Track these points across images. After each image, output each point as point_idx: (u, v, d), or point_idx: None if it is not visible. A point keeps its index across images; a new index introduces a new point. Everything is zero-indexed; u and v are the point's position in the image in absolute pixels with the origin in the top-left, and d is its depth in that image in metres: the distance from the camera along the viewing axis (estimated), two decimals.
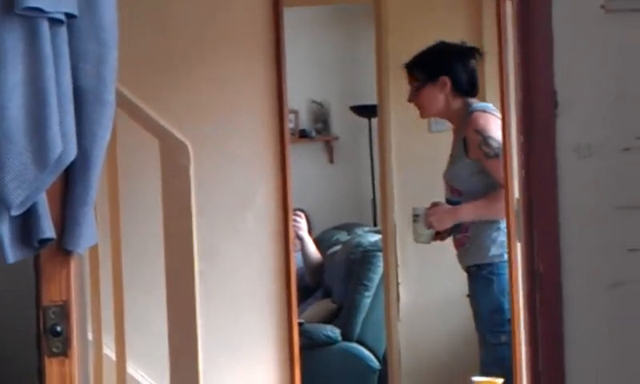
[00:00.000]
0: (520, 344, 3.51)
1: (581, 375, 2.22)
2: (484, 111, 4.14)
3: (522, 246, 2.29)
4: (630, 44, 2.23)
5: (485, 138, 4.02)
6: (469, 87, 4.19)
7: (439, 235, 4.22)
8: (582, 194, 2.23)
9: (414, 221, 4.21)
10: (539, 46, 2.24)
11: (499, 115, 3.96)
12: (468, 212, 4.09)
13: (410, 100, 4.28)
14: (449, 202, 4.19)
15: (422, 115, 4.35)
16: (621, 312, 2.22)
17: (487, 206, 4.01)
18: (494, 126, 4.02)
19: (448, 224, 4.15)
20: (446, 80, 4.15)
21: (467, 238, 4.11)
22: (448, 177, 4.22)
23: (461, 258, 4.19)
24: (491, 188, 4.00)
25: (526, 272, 2.25)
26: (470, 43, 4.40)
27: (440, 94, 4.17)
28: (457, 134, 4.23)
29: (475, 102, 4.20)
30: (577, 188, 2.23)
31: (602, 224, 2.22)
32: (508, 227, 3.75)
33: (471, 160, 4.07)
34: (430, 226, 4.15)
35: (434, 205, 4.18)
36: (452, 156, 4.23)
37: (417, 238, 4.25)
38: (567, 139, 2.23)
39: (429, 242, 4.26)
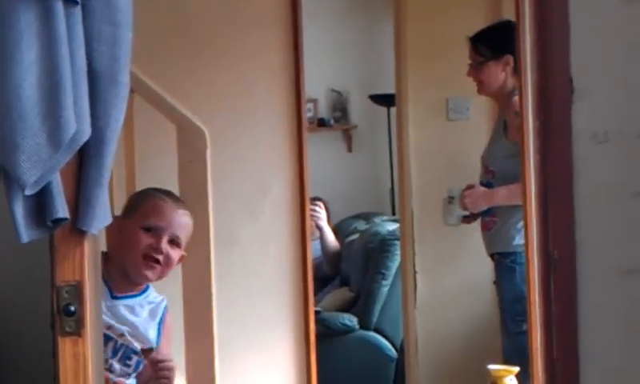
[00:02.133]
0: (536, 331, 3.50)
1: (596, 362, 2.21)
2: None
3: (537, 232, 2.28)
4: None
5: None
6: None
7: (468, 218, 4.22)
8: (597, 180, 2.22)
9: (449, 202, 4.23)
10: (556, 31, 2.23)
11: None
12: (503, 196, 4.07)
13: (470, 74, 4.26)
14: (482, 183, 4.18)
15: (480, 91, 4.31)
16: (636, 299, 2.21)
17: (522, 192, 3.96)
18: None
19: (483, 207, 4.15)
20: (510, 59, 4.11)
21: (494, 223, 4.10)
22: (485, 156, 4.21)
23: (486, 242, 4.18)
24: None
25: (540, 257, 2.24)
26: None
27: (502, 73, 4.16)
28: (499, 116, 4.22)
29: None
30: (593, 174, 2.22)
31: (618, 210, 2.21)
32: (525, 212, 3.73)
33: (509, 142, 4.05)
34: (464, 207, 4.16)
35: (469, 187, 4.19)
36: (492, 137, 4.24)
37: (448, 220, 4.27)
38: (584, 125, 2.21)
39: (458, 224, 4.29)
